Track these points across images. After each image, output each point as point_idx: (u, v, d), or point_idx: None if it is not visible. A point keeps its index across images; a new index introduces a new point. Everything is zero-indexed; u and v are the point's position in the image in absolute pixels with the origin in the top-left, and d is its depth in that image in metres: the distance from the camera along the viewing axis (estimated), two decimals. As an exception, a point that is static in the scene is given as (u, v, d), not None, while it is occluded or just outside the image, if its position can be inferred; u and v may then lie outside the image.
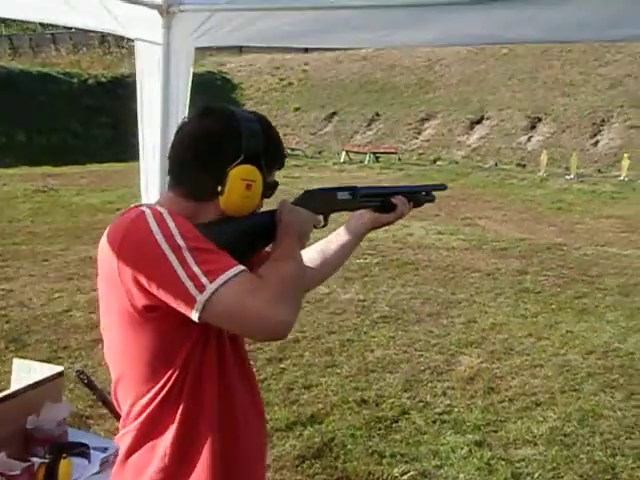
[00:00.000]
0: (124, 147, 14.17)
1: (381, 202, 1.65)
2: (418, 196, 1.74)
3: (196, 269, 1.19)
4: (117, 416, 1.47)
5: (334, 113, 32.10)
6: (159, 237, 1.20)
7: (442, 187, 1.84)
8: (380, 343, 5.26)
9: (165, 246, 1.20)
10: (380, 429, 3.79)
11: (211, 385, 1.32)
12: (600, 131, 28.32)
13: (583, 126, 28.01)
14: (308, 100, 33.00)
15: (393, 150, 26.79)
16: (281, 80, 34.60)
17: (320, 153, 28.22)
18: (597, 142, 28.26)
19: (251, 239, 1.40)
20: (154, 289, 1.21)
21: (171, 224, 1.23)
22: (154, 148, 2.42)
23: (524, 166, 25.64)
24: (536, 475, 3.31)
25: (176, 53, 2.11)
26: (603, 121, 28.89)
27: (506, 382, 4.54)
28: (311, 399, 4.15)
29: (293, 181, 16.82)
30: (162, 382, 1.28)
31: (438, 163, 26.42)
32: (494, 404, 4.16)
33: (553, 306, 6.46)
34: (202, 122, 1.37)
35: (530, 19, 1.40)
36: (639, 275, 7.99)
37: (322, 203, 1.55)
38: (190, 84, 2.25)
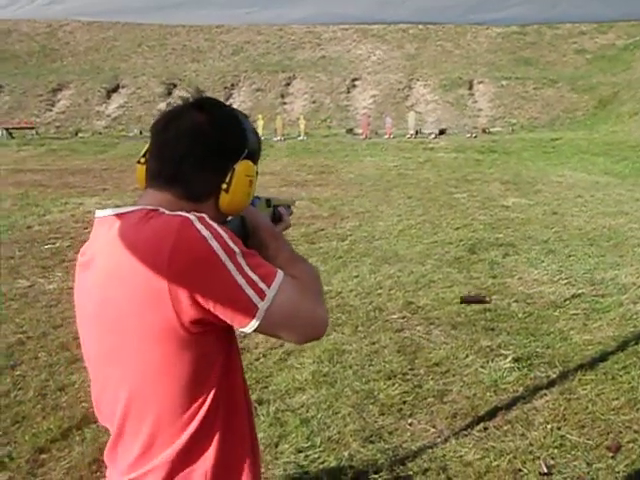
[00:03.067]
0: None
1: (273, 212, 1.65)
2: (289, 209, 1.76)
3: (252, 275, 1.12)
4: None
5: (-54, 86, 28.06)
6: (214, 244, 1.10)
7: (292, 202, 1.87)
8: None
9: (222, 253, 1.10)
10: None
11: (240, 397, 1.24)
12: (231, 94, 30.09)
13: (216, 90, 29.40)
14: None
15: (29, 125, 24.61)
16: None
17: (-62, 132, 24.52)
18: (231, 105, 30.02)
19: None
20: (211, 301, 1.09)
21: (219, 229, 1.13)
22: None
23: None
24: (319, 416, 3.61)
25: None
26: (233, 85, 30.75)
27: (251, 339, 4.75)
28: (72, 400, 3.81)
29: None
30: (200, 401, 1.17)
31: (80, 135, 25.19)
32: (252, 363, 4.35)
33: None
34: (203, 115, 1.23)
35: (401, 1, 1.52)
36: (313, 224, 8.95)
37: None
38: None
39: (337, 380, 4.07)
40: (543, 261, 6.78)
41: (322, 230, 8.55)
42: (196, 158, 1.21)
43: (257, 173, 1.32)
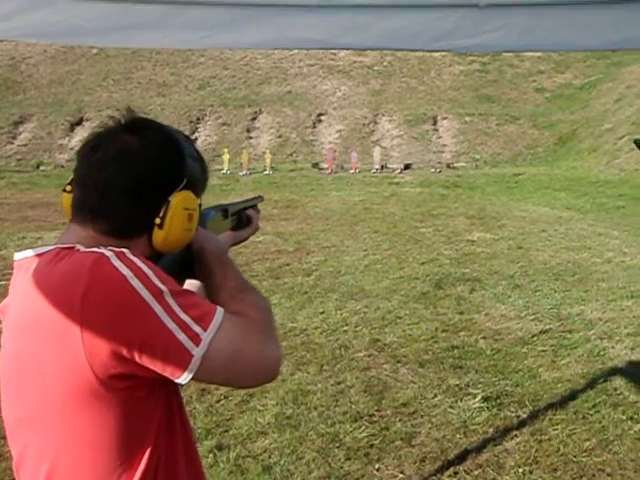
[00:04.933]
0: None
1: (238, 218, 1.51)
2: (256, 208, 1.63)
3: (185, 317, 0.96)
4: None
5: None
6: (136, 284, 0.94)
7: (260, 199, 1.76)
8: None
9: (145, 293, 0.94)
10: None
11: (181, 458, 1.08)
12: (197, 128, 29.97)
13: (182, 124, 29.25)
14: None
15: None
16: None
17: None
18: (196, 139, 29.94)
19: (177, 276, 1.17)
20: (135, 351, 0.94)
21: (142, 265, 0.97)
22: None
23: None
24: (282, 462, 3.44)
25: None
26: (198, 119, 30.65)
27: (213, 381, 4.57)
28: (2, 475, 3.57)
29: None
30: (133, 468, 1.01)
31: (42, 168, 24.76)
32: (213, 405, 4.16)
33: (221, 299, 6.70)
34: (134, 138, 1.07)
35: (367, 26, 1.43)
36: (278, 258, 8.81)
37: (213, 227, 1.35)
38: None
39: (301, 423, 3.91)
40: (510, 296, 6.74)
41: (287, 265, 8.41)
42: (123, 189, 1.06)
43: (200, 205, 1.17)
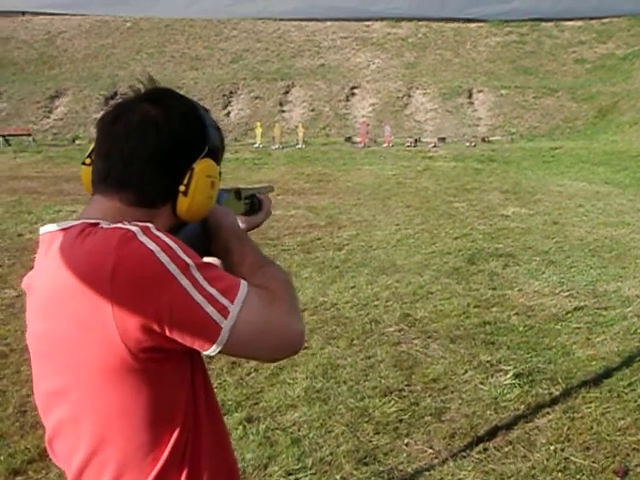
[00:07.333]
0: None
1: (250, 203, 1.50)
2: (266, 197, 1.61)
3: (212, 290, 0.97)
4: None
5: (-57, 92, 27.96)
6: (164, 258, 0.95)
7: (270, 188, 1.74)
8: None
9: (173, 267, 0.95)
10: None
11: (209, 427, 1.08)
12: (230, 102, 30.00)
13: (215, 98, 29.30)
14: None
15: (26, 132, 24.46)
16: None
17: None
18: (229, 113, 29.92)
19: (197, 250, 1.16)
20: (165, 325, 0.95)
21: (168, 240, 0.97)
22: None
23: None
24: (311, 435, 3.45)
25: None
26: (231, 93, 30.65)
27: (243, 354, 4.59)
28: (53, 419, 3.64)
29: None
30: (166, 437, 1.02)
31: (77, 142, 25.10)
32: (243, 378, 4.19)
33: (253, 273, 6.71)
34: (157, 108, 1.08)
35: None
36: (309, 233, 8.80)
37: (229, 206, 1.33)
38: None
39: (331, 397, 3.91)
40: (544, 272, 6.63)
41: (319, 239, 8.39)
42: (148, 157, 1.06)
43: (220, 174, 1.17)
